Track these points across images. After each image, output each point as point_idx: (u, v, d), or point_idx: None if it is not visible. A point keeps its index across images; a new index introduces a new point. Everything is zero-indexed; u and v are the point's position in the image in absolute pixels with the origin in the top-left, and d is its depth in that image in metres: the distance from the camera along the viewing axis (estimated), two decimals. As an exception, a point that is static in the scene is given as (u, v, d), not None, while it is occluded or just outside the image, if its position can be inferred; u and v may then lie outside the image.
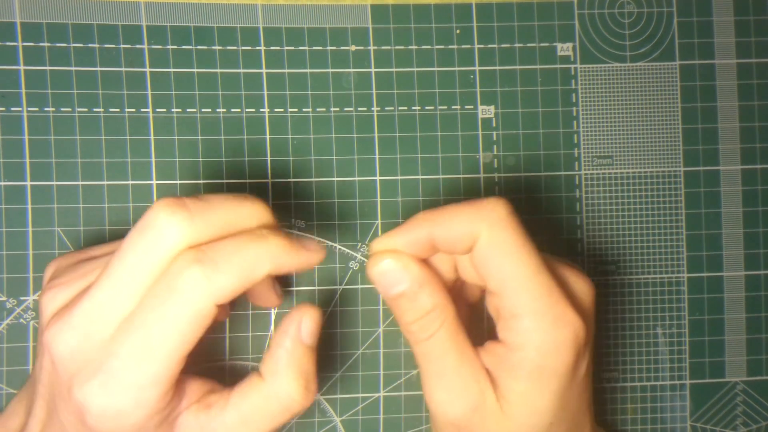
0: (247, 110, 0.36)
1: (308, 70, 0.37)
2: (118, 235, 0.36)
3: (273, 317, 0.37)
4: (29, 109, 0.35)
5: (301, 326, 0.29)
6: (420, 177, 0.37)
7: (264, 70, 0.37)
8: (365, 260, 0.37)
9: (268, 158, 0.37)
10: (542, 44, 0.38)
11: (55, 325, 0.27)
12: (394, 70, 0.37)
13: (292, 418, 0.29)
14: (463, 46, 0.37)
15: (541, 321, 0.28)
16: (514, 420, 0.29)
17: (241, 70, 0.36)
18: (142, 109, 0.36)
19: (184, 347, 0.26)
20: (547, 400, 0.29)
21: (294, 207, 0.37)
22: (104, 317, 0.26)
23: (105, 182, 0.36)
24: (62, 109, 0.35)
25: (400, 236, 0.29)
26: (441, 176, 0.37)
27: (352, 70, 0.37)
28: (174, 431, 0.28)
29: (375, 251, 0.30)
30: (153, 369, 0.26)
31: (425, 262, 0.30)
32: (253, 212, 0.28)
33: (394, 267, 0.29)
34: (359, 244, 0.37)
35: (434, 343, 0.29)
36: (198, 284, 0.26)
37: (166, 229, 0.26)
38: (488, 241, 0.28)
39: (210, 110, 0.36)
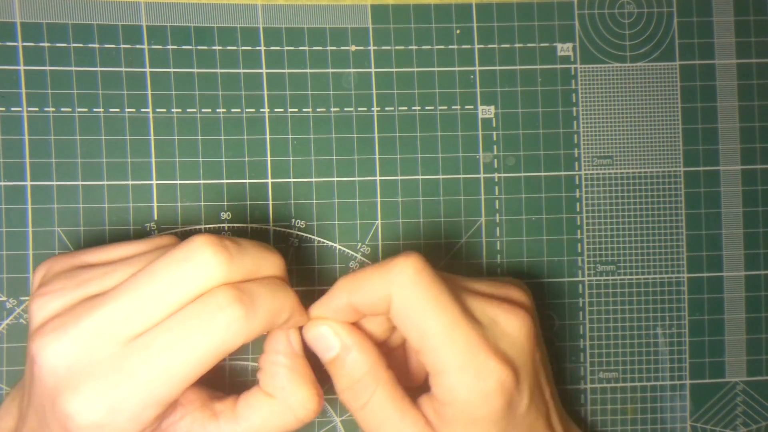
0: (247, 110, 0.36)
1: (308, 70, 0.37)
2: (119, 234, 0.36)
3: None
4: (29, 109, 0.35)
5: (290, 341, 0.30)
6: (420, 177, 0.37)
7: (264, 70, 0.37)
8: (365, 260, 0.37)
9: (268, 158, 0.37)
10: (542, 44, 0.38)
11: (50, 335, 0.26)
12: (394, 70, 0.37)
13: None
14: (463, 46, 0.37)
15: (463, 376, 0.28)
16: None
17: (241, 70, 0.36)
18: (142, 109, 0.36)
19: (198, 375, 0.27)
20: None
21: (294, 207, 0.37)
22: (115, 334, 0.26)
23: (105, 182, 0.36)
24: (62, 109, 0.35)
25: (325, 305, 0.30)
26: (441, 176, 0.37)
27: (352, 70, 0.37)
28: None
29: (311, 317, 0.30)
30: (163, 391, 0.26)
31: (358, 327, 0.31)
32: (275, 264, 0.29)
33: (325, 332, 0.30)
34: (359, 244, 0.37)
35: (371, 410, 0.30)
36: (237, 322, 0.26)
37: (209, 266, 0.26)
38: (399, 304, 0.29)
39: (210, 110, 0.36)
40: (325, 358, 0.30)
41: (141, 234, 0.36)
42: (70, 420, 0.26)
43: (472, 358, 0.28)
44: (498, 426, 0.29)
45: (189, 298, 0.27)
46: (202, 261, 0.27)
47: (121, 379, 0.26)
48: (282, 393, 0.29)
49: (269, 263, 0.29)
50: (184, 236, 0.36)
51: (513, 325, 0.30)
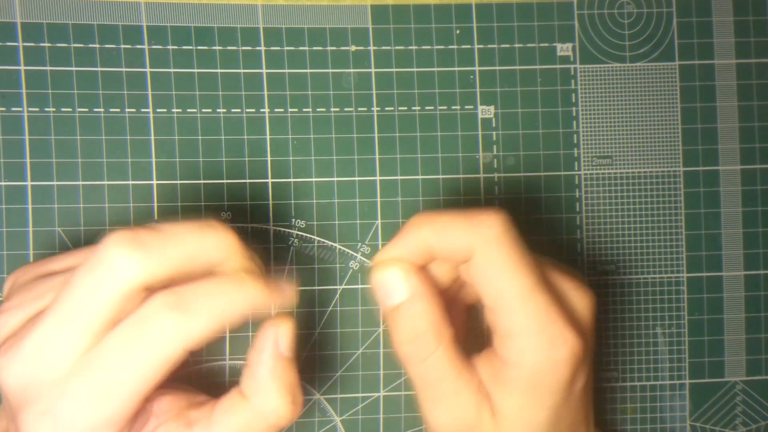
0: (247, 110, 0.36)
1: (308, 71, 0.37)
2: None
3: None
4: (30, 109, 0.35)
5: (278, 340, 0.28)
6: (420, 177, 0.37)
7: (264, 71, 0.37)
8: (365, 260, 0.37)
9: (268, 158, 0.37)
10: (542, 44, 0.38)
11: (5, 356, 0.25)
12: (394, 70, 0.37)
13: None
14: (463, 47, 0.37)
15: (537, 341, 0.28)
16: None
17: (242, 71, 0.36)
18: (143, 110, 0.36)
19: (146, 390, 0.25)
20: (542, 416, 0.29)
21: (294, 207, 0.37)
22: (54, 353, 0.25)
23: (105, 182, 0.36)
24: (63, 109, 0.36)
25: (399, 245, 0.29)
26: (441, 176, 0.37)
27: (352, 70, 0.37)
28: None
29: (377, 262, 0.29)
30: (110, 411, 0.25)
31: (428, 277, 0.29)
32: (218, 242, 0.26)
33: (395, 276, 0.28)
34: (359, 244, 0.37)
35: (428, 368, 0.29)
36: (170, 331, 0.25)
37: (118, 265, 0.25)
38: (482, 259, 0.28)
39: (210, 110, 0.36)
40: (389, 305, 0.29)
41: (141, 234, 0.36)
42: None
43: (549, 324, 0.28)
44: (557, 397, 0.28)
45: (116, 302, 0.25)
46: (112, 261, 0.25)
47: (63, 401, 0.25)
48: (256, 397, 0.28)
49: (209, 242, 0.26)
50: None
51: (582, 302, 0.30)
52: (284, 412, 0.28)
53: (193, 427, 0.28)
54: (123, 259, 0.25)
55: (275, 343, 0.28)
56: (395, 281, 0.29)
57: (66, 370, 0.25)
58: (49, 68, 0.35)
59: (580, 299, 0.30)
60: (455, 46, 0.37)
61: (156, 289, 0.26)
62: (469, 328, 0.33)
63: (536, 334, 0.28)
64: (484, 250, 0.28)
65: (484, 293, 0.28)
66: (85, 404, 0.25)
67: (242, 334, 0.36)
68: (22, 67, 0.35)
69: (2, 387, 0.26)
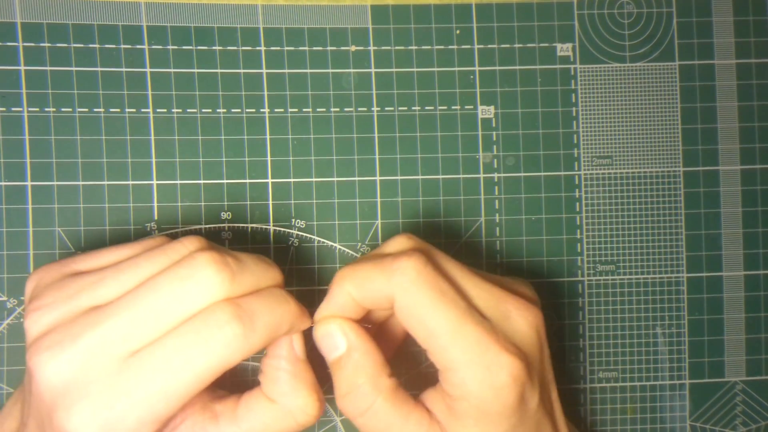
0: (247, 110, 0.36)
1: (308, 71, 0.37)
2: (119, 234, 0.36)
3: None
4: (30, 109, 0.35)
5: (293, 345, 0.29)
6: (420, 177, 0.37)
7: (264, 71, 0.37)
8: (365, 260, 0.37)
9: (268, 158, 0.37)
10: (542, 44, 0.38)
11: (47, 352, 0.26)
12: (394, 70, 0.37)
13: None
14: (463, 47, 0.37)
15: (474, 371, 0.28)
16: None
17: (242, 71, 0.36)
18: (143, 110, 0.36)
19: (196, 392, 0.27)
20: None
21: (294, 207, 0.37)
22: (113, 351, 0.26)
23: (105, 182, 0.36)
24: (63, 110, 0.36)
25: (330, 303, 0.30)
26: (441, 176, 0.37)
27: (352, 70, 0.37)
28: None
29: (316, 319, 0.30)
30: (161, 409, 0.26)
31: (363, 329, 0.30)
32: (273, 278, 0.29)
33: (332, 331, 0.30)
34: (359, 244, 0.37)
35: (371, 418, 0.29)
36: (236, 340, 0.26)
37: (212, 284, 0.26)
38: (403, 306, 0.29)
39: (210, 110, 0.36)
40: (331, 358, 0.30)
41: (141, 234, 0.36)
42: None
43: (483, 353, 0.28)
44: (510, 421, 0.29)
45: (189, 314, 0.26)
46: (205, 279, 0.26)
47: (117, 398, 0.26)
48: (283, 398, 0.29)
49: (269, 278, 0.29)
50: (184, 236, 0.36)
51: (525, 320, 0.30)
52: (312, 410, 0.29)
53: (219, 421, 0.29)
54: (214, 278, 0.27)
55: (291, 348, 0.29)
56: (332, 336, 0.30)
57: (117, 367, 0.26)
58: (49, 68, 0.35)
59: (522, 318, 0.30)
60: (455, 46, 0.37)
61: None
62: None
63: (473, 365, 0.28)
64: (402, 298, 0.28)
65: (414, 335, 0.29)
66: (138, 401, 0.26)
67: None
68: (22, 67, 0.35)
69: (39, 382, 0.26)
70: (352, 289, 0.29)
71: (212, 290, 0.26)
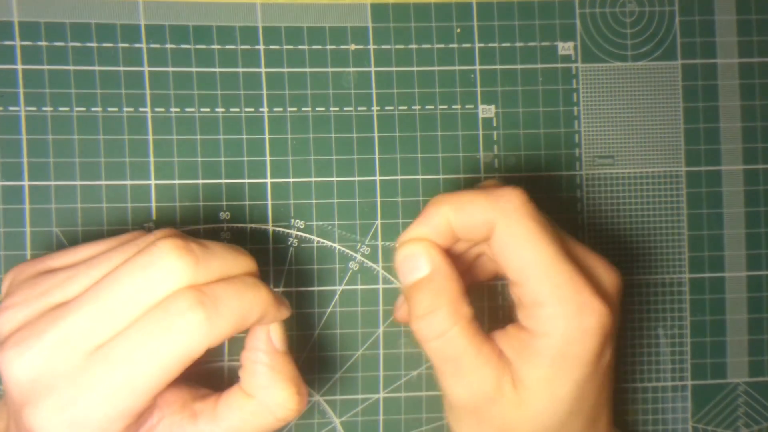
0: (246, 110, 0.36)
1: (307, 70, 0.37)
2: (117, 234, 0.35)
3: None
4: (27, 108, 0.35)
5: (270, 336, 0.29)
6: (420, 177, 0.37)
7: (263, 70, 0.36)
8: (365, 261, 0.37)
9: (268, 158, 0.36)
10: (543, 43, 0.38)
11: (14, 349, 0.26)
12: (394, 69, 0.37)
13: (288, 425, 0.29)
14: (464, 45, 0.37)
15: (565, 308, 0.28)
16: (532, 406, 0.29)
17: (240, 70, 0.36)
18: (141, 109, 0.36)
19: (164, 384, 0.26)
20: (567, 388, 0.28)
21: (293, 207, 0.36)
22: (77, 345, 0.25)
23: (103, 182, 0.36)
24: (60, 109, 0.35)
25: (421, 225, 0.29)
26: (441, 176, 0.37)
27: (351, 69, 0.37)
28: None
29: (401, 241, 0.30)
30: (127, 404, 0.25)
31: (449, 255, 0.30)
32: (245, 264, 0.28)
33: (417, 253, 0.29)
34: (359, 244, 0.37)
35: (446, 344, 0.29)
36: (200, 327, 0.26)
37: (174, 271, 0.26)
38: (504, 232, 0.28)
39: (209, 110, 0.36)
40: (410, 280, 0.29)
41: (139, 234, 0.36)
42: None
43: (576, 293, 0.28)
44: (585, 369, 0.28)
45: (153, 304, 0.26)
46: (167, 265, 0.26)
47: (81, 393, 0.25)
48: (262, 392, 0.28)
49: (239, 264, 0.28)
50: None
51: (610, 278, 0.30)
52: (291, 404, 0.28)
53: (198, 419, 0.28)
54: (177, 264, 0.26)
55: (268, 340, 0.29)
56: (417, 257, 0.29)
57: (81, 361, 0.25)
58: (46, 67, 0.35)
59: (607, 274, 0.30)
60: (456, 45, 0.37)
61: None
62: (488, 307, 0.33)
63: (564, 302, 0.28)
64: (504, 223, 0.28)
65: (508, 267, 0.29)
66: (103, 396, 0.25)
67: (240, 335, 0.36)
68: (20, 66, 0.35)
69: (7, 380, 0.26)
70: (450, 212, 0.29)
71: (175, 277, 0.26)
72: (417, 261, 0.29)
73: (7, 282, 0.29)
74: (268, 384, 0.28)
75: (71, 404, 0.25)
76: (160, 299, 0.26)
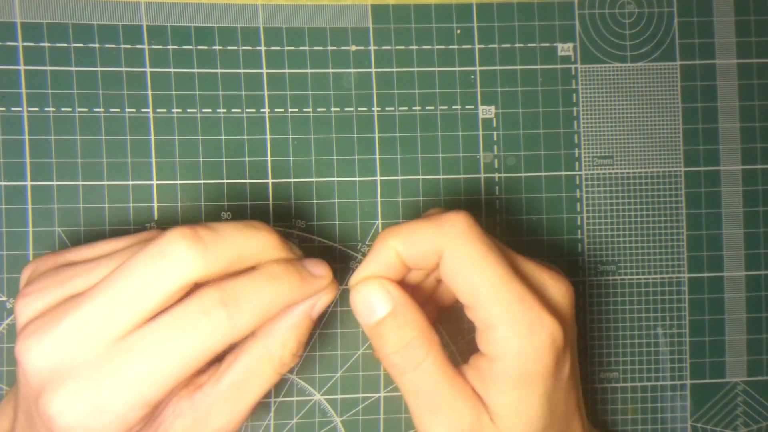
0: (247, 110, 0.36)
1: (308, 70, 0.37)
2: (118, 235, 0.35)
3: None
4: (29, 109, 0.35)
5: (315, 304, 0.29)
6: (420, 177, 0.37)
7: (264, 70, 0.36)
8: (366, 260, 0.37)
9: (269, 158, 0.36)
10: (543, 44, 0.38)
11: (32, 336, 0.26)
12: (394, 70, 0.37)
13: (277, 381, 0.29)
14: (464, 46, 0.37)
15: (517, 327, 0.28)
16: None
17: (242, 70, 0.36)
18: (143, 109, 0.36)
19: (186, 376, 0.26)
20: (536, 406, 0.29)
21: (294, 207, 0.37)
22: (95, 335, 0.26)
23: (105, 182, 0.36)
24: (62, 109, 0.35)
25: (371, 263, 0.30)
26: (441, 176, 0.37)
27: (352, 70, 0.37)
28: (160, 422, 0.28)
29: (354, 282, 0.30)
30: (148, 394, 0.26)
31: (405, 287, 0.30)
32: (263, 241, 0.28)
33: (374, 292, 0.29)
34: (359, 244, 0.37)
35: (422, 376, 0.29)
36: (221, 326, 0.26)
37: (182, 260, 0.26)
38: (451, 257, 0.28)
39: (210, 110, 0.36)
40: (373, 320, 0.29)
41: (141, 234, 0.36)
42: (52, 421, 0.26)
43: (526, 311, 0.28)
44: (546, 384, 0.29)
45: (169, 293, 0.26)
46: (176, 255, 0.26)
47: (105, 381, 0.26)
48: (268, 339, 0.29)
49: (255, 242, 0.28)
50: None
51: (560, 291, 0.30)
52: (287, 360, 0.29)
53: (204, 387, 0.29)
54: (185, 253, 0.26)
55: (311, 306, 0.29)
56: (375, 297, 0.29)
57: (102, 351, 0.26)
58: (48, 68, 0.35)
59: (557, 288, 0.30)
60: (456, 46, 0.37)
61: (202, 283, 0.27)
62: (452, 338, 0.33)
63: (515, 321, 0.28)
64: (451, 248, 0.28)
65: (459, 291, 0.29)
66: (126, 385, 0.26)
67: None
68: (22, 67, 0.35)
69: (25, 368, 0.26)
70: (398, 244, 0.29)
71: (185, 266, 0.26)
72: (375, 301, 0.29)
73: (28, 273, 0.30)
74: (278, 334, 0.29)
75: (92, 391, 0.25)
76: (173, 288, 0.26)
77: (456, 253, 0.28)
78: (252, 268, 0.28)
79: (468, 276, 0.28)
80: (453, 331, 0.37)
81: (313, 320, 0.30)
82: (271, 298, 0.27)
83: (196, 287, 0.27)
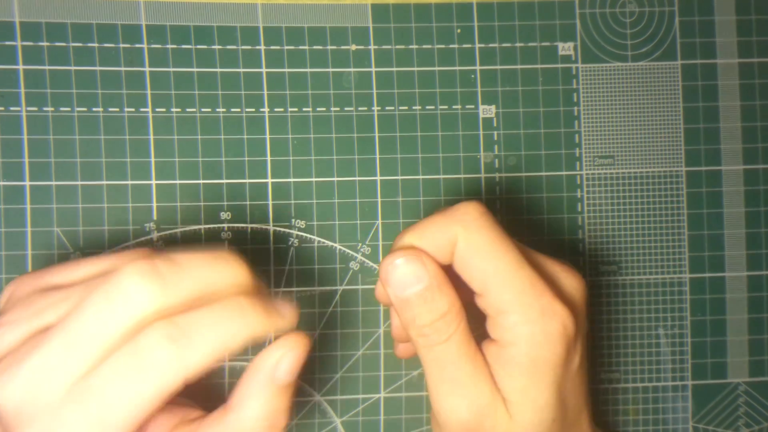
0: (247, 110, 0.36)
1: (308, 70, 0.37)
2: (118, 235, 0.35)
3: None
4: (28, 108, 0.35)
5: (278, 365, 0.27)
6: (421, 177, 0.37)
7: (264, 70, 0.36)
8: (365, 260, 0.37)
9: (268, 158, 0.36)
10: (543, 43, 0.38)
11: (2, 375, 0.25)
12: (394, 69, 0.37)
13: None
14: (464, 46, 0.37)
15: (527, 314, 0.28)
16: (519, 420, 0.29)
17: (241, 70, 0.36)
18: (142, 109, 0.36)
19: (141, 419, 0.25)
20: (546, 395, 0.29)
21: (294, 207, 0.36)
22: (54, 378, 0.25)
23: (104, 182, 0.36)
24: (61, 109, 0.35)
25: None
26: (442, 176, 0.37)
27: (352, 69, 0.37)
28: None
29: (390, 256, 0.29)
30: None
31: (436, 261, 0.30)
32: (228, 273, 0.26)
33: (412, 264, 0.29)
34: (359, 244, 0.37)
35: (449, 348, 0.29)
36: (169, 363, 0.24)
37: (135, 295, 0.25)
38: (465, 244, 0.28)
39: (210, 110, 0.36)
40: (409, 292, 0.29)
41: (140, 234, 0.36)
42: None
43: (538, 298, 0.28)
44: (556, 372, 0.29)
45: (124, 331, 0.25)
46: (130, 292, 0.25)
47: (61, 427, 0.25)
48: (239, 410, 0.27)
49: (222, 276, 0.26)
50: (184, 237, 0.36)
51: (572, 283, 0.30)
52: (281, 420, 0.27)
53: None
54: (140, 290, 0.25)
55: (273, 367, 0.27)
56: (412, 268, 0.29)
57: (62, 394, 0.25)
58: (47, 67, 0.35)
59: (569, 280, 0.30)
60: (456, 45, 0.37)
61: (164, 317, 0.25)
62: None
63: (527, 308, 0.28)
64: (464, 236, 0.28)
65: (471, 279, 0.29)
66: (81, 430, 0.24)
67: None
68: (21, 67, 0.35)
69: None
70: (415, 240, 0.29)
71: (139, 303, 0.24)
72: (413, 273, 0.28)
73: (6, 296, 0.29)
74: (247, 407, 0.27)
75: None
76: (129, 326, 0.25)
77: (469, 240, 0.28)
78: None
79: (480, 262, 0.28)
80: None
81: (284, 385, 0.27)
82: (229, 332, 0.25)
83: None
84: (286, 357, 0.27)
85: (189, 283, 0.25)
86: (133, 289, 0.25)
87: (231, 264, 0.27)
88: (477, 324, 0.34)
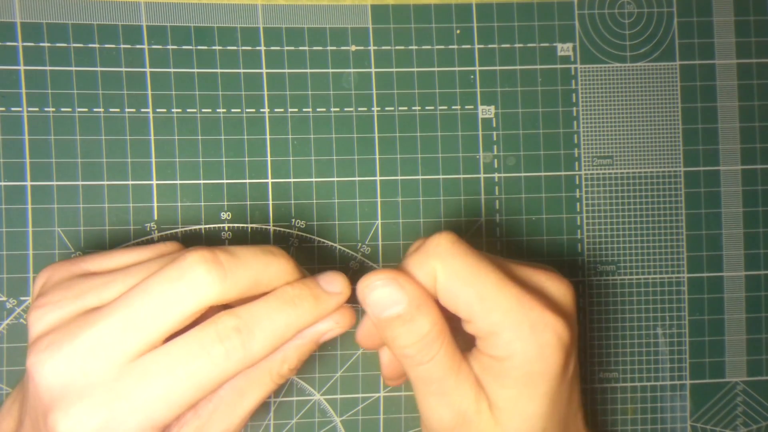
0: (247, 110, 0.36)
1: (308, 70, 0.37)
2: (119, 235, 0.36)
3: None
4: (29, 109, 0.35)
5: (325, 334, 0.29)
6: (420, 177, 0.37)
7: (264, 70, 0.36)
8: (365, 260, 0.37)
9: (268, 158, 0.37)
10: (542, 44, 0.38)
11: (46, 351, 0.26)
12: (394, 70, 0.37)
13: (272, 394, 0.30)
14: (464, 46, 0.37)
15: (519, 330, 0.28)
16: (505, 427, 0.29)
17: (241, 70, 0.36)
18: (142, 109, 0.36)
19: (198, 399, 0.26)
20: (536, 406, 0.29)
21: (294, 207, 0.37)
22: (109, 354, 0.26)
23: (105, 182, 0.36)
24: (62, 109, 0.35)
25: None
26: (441, 176, 0.37)
27: (352, 70, 0.37)
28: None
29: (367, 280, 0.29)
30: (160, 416, 0.26)
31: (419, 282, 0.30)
32: (279, 268, 0.28)
33: (390, 287, 0.28)
34: (359, 244, 0.37)
35: (434, 368, 0.29)
36: (235, 352, 0.26)
37: (201, 284, 0.26)
38: (444, 275, 0.28)
39: (210, 110, 0.36)
40: (387, 314, 0.29)
41: (141, 234, 0.36)
42: None
43: (527, 313, 0.28)
44: (551, 384, 0.29)
45: (185, 316, 0.26)
46: (195, 279, 0.26)
47: (116, 402, 0.25)
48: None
49: (273, 269, 0.28)
50: (184, 237, 0.36)
51: (560, 290, 0.30)
52: (285, 374, 0.29)
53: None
54: (205, 278, 0.26)
55: (320, 333, 0.29)
56: (392, 291, 0.29)
57: (116, 371, 0.26)
58: (48, 68, 0.35)
59: (557, 287, 0.30)
60: (455, 46, 0.37)
61: (216, 306, 0.27)
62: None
63: (516, 325, 0.28)
64: (442, 268, 0.28)
65: (457, 308, 0.29)
66: (137, 408, 0.25)
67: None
68: (22, 67, 0.35)
69: (37, 382, 0.26)
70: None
71: (203, 291, 0.26)
72: (392, 295, 0.28)
73: (41, 281, 0.29)
74: (282, 353, 0.29)
75: (103, 412, 0.25)
76: (189, 311, 0.26)
77: (447, 270, 0.28)
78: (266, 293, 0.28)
79: (462, 289, 0.28)
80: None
81: (319, 345, 0.30)
82: (284, 324, 0.27)
83: (211, 310, 0.27)
84: (332, 331, 0.29)
85: (245, 275, 0.27)
86: (198, 276, 0.26)
87: (279, 257, 0.28)
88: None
